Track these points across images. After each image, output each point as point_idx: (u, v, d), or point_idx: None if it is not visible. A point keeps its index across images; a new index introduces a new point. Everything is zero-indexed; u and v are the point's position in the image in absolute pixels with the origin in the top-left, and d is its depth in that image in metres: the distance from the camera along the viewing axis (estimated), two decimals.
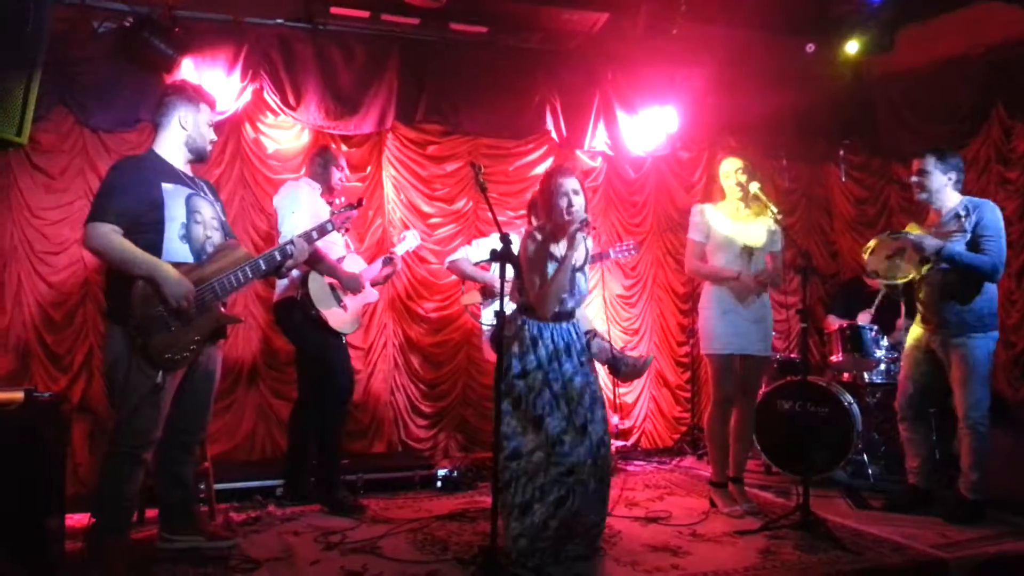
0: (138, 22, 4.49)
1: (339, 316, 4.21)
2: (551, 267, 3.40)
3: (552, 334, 3.41)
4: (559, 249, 3.44)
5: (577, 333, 3.49)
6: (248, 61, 4.88)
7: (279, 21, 5.05)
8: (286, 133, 5.13)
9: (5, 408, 3.22)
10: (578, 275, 3.48)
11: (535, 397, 3.32)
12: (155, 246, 3.07)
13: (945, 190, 4.12)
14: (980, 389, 4.01)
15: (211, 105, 3.38)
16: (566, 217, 3.40)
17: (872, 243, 4.17)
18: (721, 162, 4.36)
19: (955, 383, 4.05)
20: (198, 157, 3.36)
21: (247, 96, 4.91)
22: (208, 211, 3.28)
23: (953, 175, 4.11)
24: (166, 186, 3.14)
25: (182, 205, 3.17)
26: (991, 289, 4.07)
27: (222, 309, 3.27)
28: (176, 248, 3.12)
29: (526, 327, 3.41)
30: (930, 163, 4.10)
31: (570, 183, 3.42)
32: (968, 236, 3.99)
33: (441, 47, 5.36)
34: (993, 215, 4.03)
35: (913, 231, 4.18)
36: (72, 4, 4.50)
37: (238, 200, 4.97)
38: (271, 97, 4.95)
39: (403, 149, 5.38)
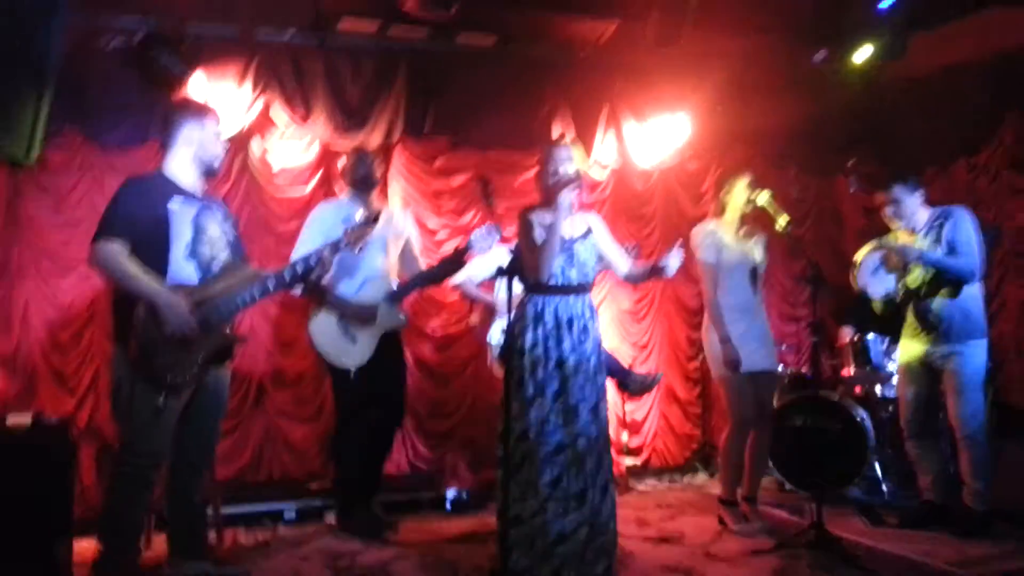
0: (147, 38, 4.48)
1: (344, 352, 4.08)
2: (541, 233, 3.38)
3: (556, 309, 3.37)
4: (550, 217, 3.41)
5: (584, 308, 3.43)
6: (257, 76, 4.87)
7: (288, 36, 5.03)
8: (294, 148, 5.09)
9: (13, 433, 3.22)
10: (577, 245, 3.44)
11: (530, 376, 3.31)
12: (161, 265, 3.07)
13: (919, 210, 4.17)
14: (975, 399, 4.01)
15: (216, 119, 3.37)
16: (551, 181, 3.41)
17: (859, 256, 4.20)
18: (731, 178, 4.34)
19: (950, 394, 4.05)
20: (208, 172, 3.35)
21: (256, 110, 4.89)
22: (216, 230, 3.27)
23: (919, 193, 4.17)
24: (172, 205, 3.14)
25: (189, 224, 3.17)
26: (978, 294, 4.10)
27: (228, 330, 3.25)
28: (182, 267, 3.12)
29: (529, 304, 3.40)
30: (898, 191, 4.16)
31: (561, 152, 3.49)
32: (944, 245, 4.03)
33: (449, 59, 5.34)
34: (964, 221, 4.06)
35: (899, 238, 4.22)
36: (81, 22, 4.48)
37: (245, 216, 4.92)
38: (280, 111, 4.94)
39: (411, 163, 5.34)
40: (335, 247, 3.39)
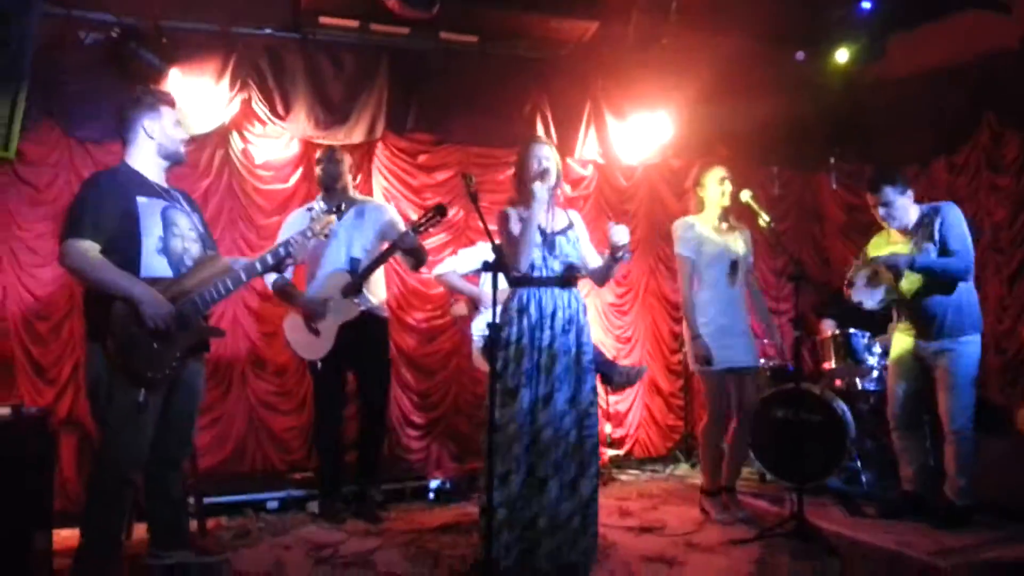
0: (125, 33, 4.47)
1: (306, 344, 4.21)
2: (517, 225, 3.41)
3: (540, 301, 3.39)
4: (526, 211, 3.44)
5: (570, 301, 3.44)
6: (237, 71, 4.86)
7: (268, 31, 5.03)
8: (275, 143, 5.10)
9: None
10: (558, 238, 3.46)
11: (514, 368, 3.33)
12: (132, 261, 3.01)
13: (908, 209, 4.17)
14: (967, 394, 4.03)
15: (171, 105, 3.30)
16: (530, 176, 3.44)
17: (848, 276, 4.24)
18: (704, 172, 4.38)
19: (942, 389, 4.06)
20: (174, 161, 3.29)
21: (236, 106, 4.89)
22: (185, 223, 3.22)
23: (909, 192, 4.16)
24: (140, 199, 3.08)
25: (158, 218, 3.11)
26: (972, 289, 4.12)
27: (204, 322, 3.23)
28: (154, 262, 3.06)
29: (515, 297, 3.41)
30: (889, 193, 4.12)
31: (537, 149, 3.50)
32: (937, 242, 4.03)
33: (431, 56, 5.35)
34: (954, 216, 4.07)
35: (879, 247, 4.24)
36: (58, 15, 4.46)
37: (227, 211, 4.93)
38: (260, 107, 4.93)
39: (393, 159, 5.35)
40: (304, 235, 3.41)
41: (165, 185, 3.26)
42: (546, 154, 3.49)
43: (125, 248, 3.01)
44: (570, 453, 3.33)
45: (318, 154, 4.53)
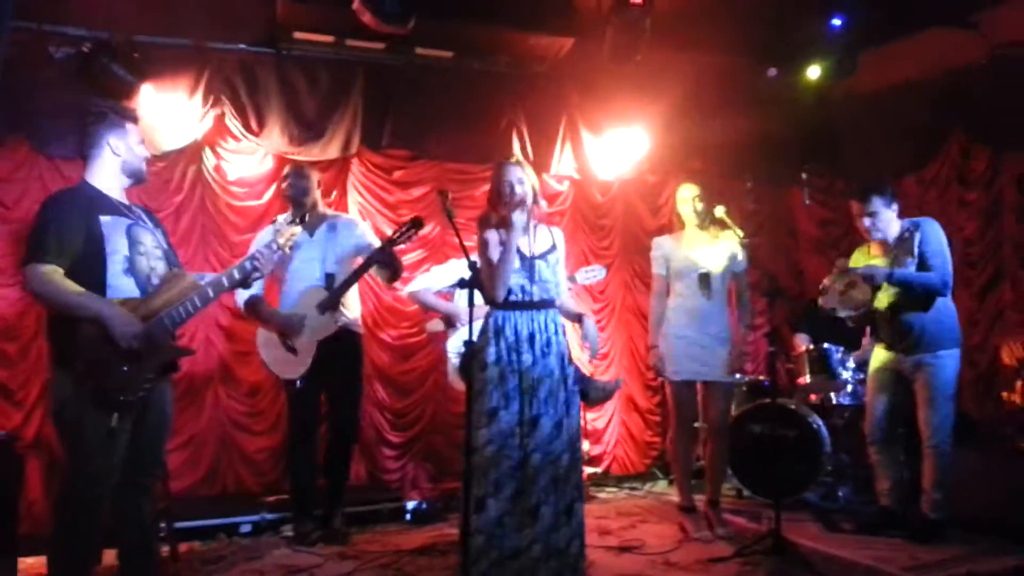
0: (96, 47, 4.40)
1: (284, 364, 4.15)
2: (496, 252, 3.36)
3: (516, 324, 3.34)
4: (505, 235, 3.39)
5: (547, 323, 3.39)
6: (210, 86, 4.81)
7: (241, 46, 4.98)
8: (249, 159, 5.04)
9: None
10: (538, 262, 3.40)
11: (492, 389, 3.26)
12: (98, 283, 2.93)
13: (892, 222, 4.19)
14: (945, 409, 4.05)
15: (136, 120, 3.25)
16: (505, 202, 3.38)
17: (824, 283, 4.26)
18: (677, 190, 4.42)
19: (921, 404, 4.08)
20: (137, 179, 3.22)
21: (208, 122, 4.83)
22: (150, 240, 3.15)
23: (894, 204, 4.18)
24: (104, 218, 3.00)
25: (123, 237, 3.04)
26: (950, 303, 4.14)
27: (173, 342, 3.17)
28: (121, 283, 2.99)
29: (491, 319, 3.37)
30: (877, 203, 4.13)
31: (511, 172, 3.42)
32: (916, 257, 4.06)
33: (407, 72, 5.33)
34: (934, 232, 4.11)
35: (859, 262, 4.26)
36: (27, 29, 4.39)
37: (199, 227, 4.87)
38: (233, 123, 4.88)
39: (369, 175, 5.32)
40: (269, 247, 3.34)
41: (127, 202, 3.20)
42: (518, 176, 3.40)
43: (90, 269, 2.94)
44: (563, 477, 3.26)
45: (285, 170, 4.48)
